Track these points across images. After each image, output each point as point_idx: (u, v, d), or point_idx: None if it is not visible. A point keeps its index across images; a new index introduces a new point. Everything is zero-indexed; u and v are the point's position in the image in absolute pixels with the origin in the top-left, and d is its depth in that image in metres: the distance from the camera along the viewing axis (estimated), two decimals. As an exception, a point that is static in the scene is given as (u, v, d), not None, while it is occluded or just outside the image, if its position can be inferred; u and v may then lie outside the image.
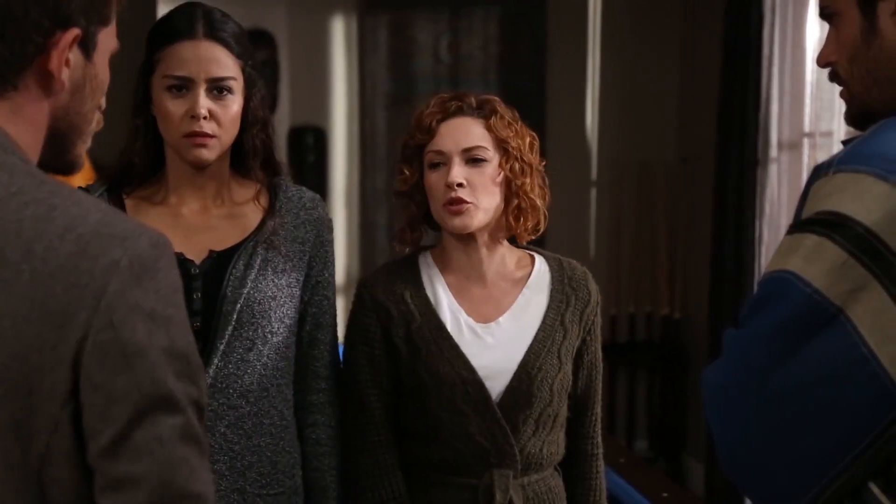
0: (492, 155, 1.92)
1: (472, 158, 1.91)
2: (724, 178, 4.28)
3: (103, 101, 1.19)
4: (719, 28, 4.34)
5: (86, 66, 1.13)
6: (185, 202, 1.89)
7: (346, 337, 1.99)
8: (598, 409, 2.07)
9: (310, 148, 4.80)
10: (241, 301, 1.83)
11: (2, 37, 1.06)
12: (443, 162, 1.91)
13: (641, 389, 5.08)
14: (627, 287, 5.08)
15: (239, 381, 1.84)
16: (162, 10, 4.47)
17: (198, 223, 1.89)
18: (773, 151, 4.13)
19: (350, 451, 1.96)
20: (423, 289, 1.97)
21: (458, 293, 1.97)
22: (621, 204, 5.08)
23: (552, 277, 2.01)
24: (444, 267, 2.00)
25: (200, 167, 1.87)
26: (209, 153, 1.84)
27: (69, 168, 1.17)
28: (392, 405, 1.97)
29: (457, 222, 1.91)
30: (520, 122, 1.97)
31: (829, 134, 3.75)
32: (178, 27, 1.85)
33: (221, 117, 1.83)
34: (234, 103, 1.85)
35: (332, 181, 4.87)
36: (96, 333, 1.01)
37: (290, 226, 1.91)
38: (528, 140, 1.96)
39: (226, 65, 1.84)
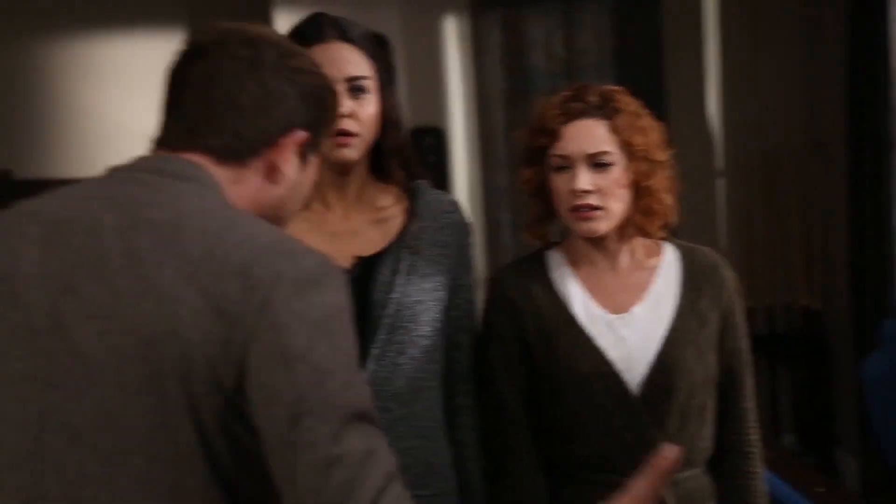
0: (617, 158, 1.87)
1: (598, 163, 1.86)
2: (857, 164, 4.14)
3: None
4: (844, 8, 4.19)
5: (300, 169, 1.30)
6: (329, 209, 1.91)
7: (481, 337, 1.98)
8: (749, 403, 1.97)
9: (430, 148, 4.82)
10: (390, 306, 1.85)
11: (250, 125, 1.25)
12: (567, 166, 1.87)
13: (784, 383, 4.95)
14: (762, 278, 4.96)
15: (391, 385, 1.85)
16: (278, 21, 4.55)
17: (342, 229, 1.91)
18: (909, 133, 3.97)
19: (491, 451, 1.94)
20: (553, 284, 1.94)
21: (590, 285, 1.94)
22: (750, 193, 4.96)
23: (683, 265, 1.95)
24: (574, 261, 1.96)
25: (344, 167, 1.88)
26: (353, 152, 1.85)
27: None
28: (530, 404, 1.94)
29: (585, 228, 1.88)
30: (645, 115, 1.91)
31: None
32: (307, 34, 1.87)
33: (362, 116, 1.84)
34: (372, 103, 1.86)
35: (453, 181, 4.88)
36: (261, 333, 1.10)
37: (432, 230, 1.92)
38: (654, 135, 1.90)
39: (360, 64, 1.86)
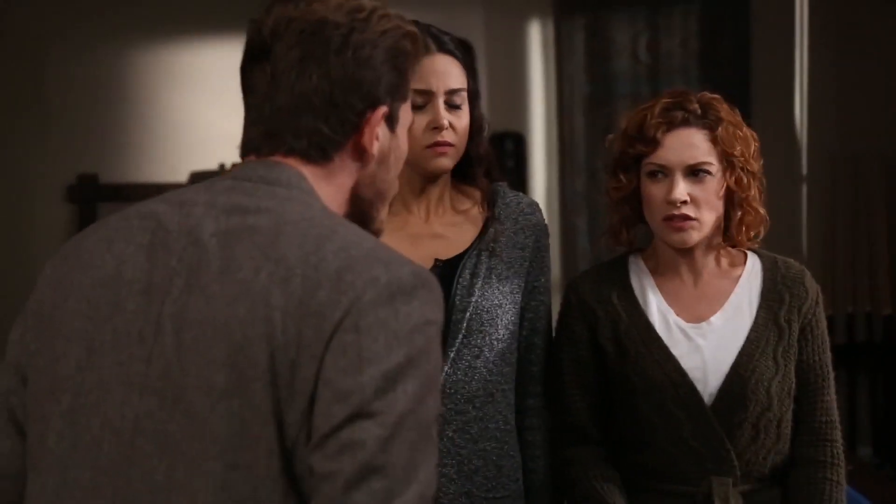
0: (716, 169, 1.86)
1: (696, 172, 1.85)
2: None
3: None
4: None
5: (391, 138, 1.27)
6: (411, 211, 1.94)
7: (554, 339, 1.98)
8: (827, 417, 1.93)
9: (509, 153, 4.82)
10: (469, 310, 1.87)
11: (326, 120, 1.21)
12: (664, 174, 1.86)
13: (863, 393, 4.85)
14: (844, 286, 4.86)
15: (466, 387, 1.87)
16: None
17: (423, 231, 1.93)
18: None
19: (557, 453, 1.94)
20: (632, 290, 1.94)
21: (668, 294, 1.93)
22: (835, 200, 4.87)
23: (765, 276, 1.93)
24: (655, 268, 1.96)
25: (437, 176, 1.91)
26: (449, 161, 1.89)
27: (373, 228, 1.30)
28: (601, 409, 1.94)
29: (676, 238, 1.87)
30: (744, 125, 1.90)
31: None
32: None
33: (458, 127, 1.88)
34: (466, 114, 1.89)
35: (531, 186, 4.88)
36: (343, 333, 1.09)
37: (511, 232, 1.94)
38: (752, 145, 1.89)
39: (459, 76, 1.89)
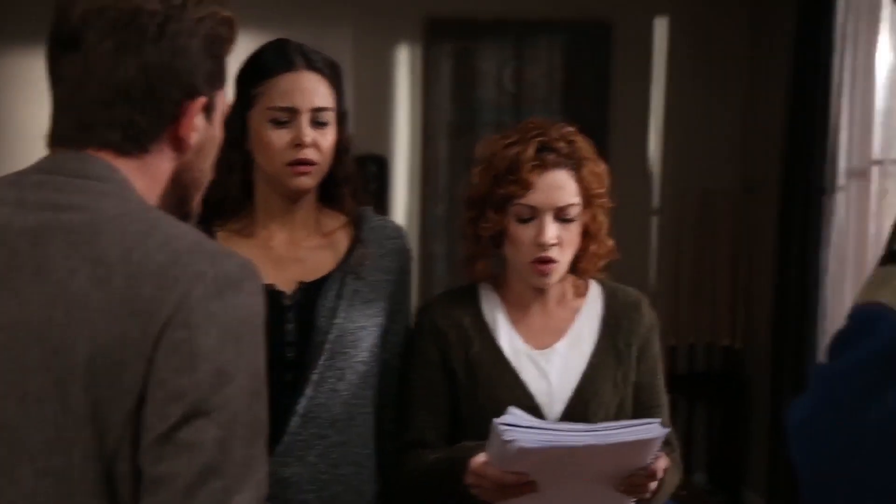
0: (580, 210, 1.91)
1: (564, 214, 1.89)
2: (789, 207, 4.23)
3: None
4: (786, 56, 4.30)
5: (207, 127, 1.24)
6: (274, 234, 1.92)
7: (405, 361, 2.01)
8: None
9: (372, 176, 4.82)
10: (332, 332, 1.86)
11: (143, 111, 1.17)
12: (533, 216, 1.89)
13: (701, 421, 5.01)
14: (688, 317, 5.03)
15: (329, 411, 1.86)
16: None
17: (287, 254, 1.92)
18: (841, 179, 4.06)
19: (401, 473, 1.96)
20: (483, 315, 1.98)
21: (517, 321, 1.98)
22: (683, 233, 5.03)
23: (605, 304, 2.01)
24: (505, 295, 2.01)
25: (299, 196, 1.90)
26: (311, 180, 1.87)
27: (186, 218, 1.27)
28: (448, 432, 1.97)
29: (540, 282, 1.92)
30: (599, 159, 1.95)
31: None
32: (276, 61, 1.89)
33: (322, 146, 1.86)
34: (331, 133, 1.88)
35: (392, 210, 4.89)
36: (172, 330, 1.07)
37: (376, 256, 1.94)
38: (606, 180, 1.95)
39: (326, 95, 1.88)
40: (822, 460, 1.23)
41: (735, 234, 4.98)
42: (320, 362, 1.85)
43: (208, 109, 1.23)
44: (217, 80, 1.23)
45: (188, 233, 1.15)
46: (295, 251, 1.93)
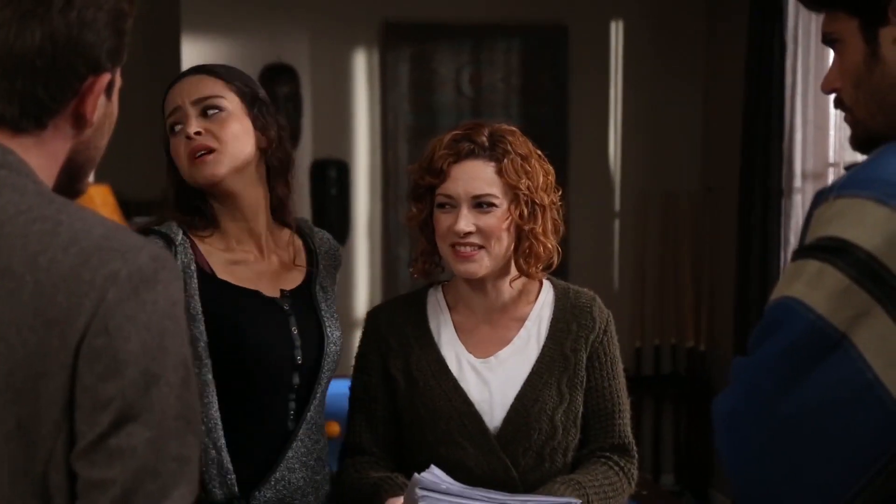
0: (501, 200, 1.89)
1: (481, 204, 1.88)
2: (748, 209, 4.27)
3: None
4: (742, 58, 4.34)
5: (107, 105, 1.19)
6: (245, 247, 1.92)
7: (353, 366, 2.02)
8: (622, 440, 1.98)
9: (332, 181, 4.81)
10: (333, 339, 1.93)
11: (45, 84, 1.11)
12: (452, 205, 1.89)
13: (667, 423, 5.05)
14: (652, 319, 5.06)
15: (321, 418, 1.95)
16: (186, 49, 4.52)
17: (263, 268, 1.93)
18: (798, 181, 4.11)
19: (338, 478, 1.98)
20: (427, 323, 1.98)
21: (462, 331, 1.97)
22: (645, 234, 5.07)
23: (555, 306, 1.99)
24: (453, 303, 2.00)
25: (221, 191, 1.87)
26: (213, 165, 1.84)
27: (77, 194, 1.22)
28: (387, 437, 1.97)
29: (462, 269, 1.90)
30: (534, 157, 1.93)
31: (853, 164, 3.72)
32: (171, 83, 1.92)
33: (218, 132, 1.84)
34: (230, 122, 1.86)
35: (354, 214, 4.88)
36: (92, 338, 1.04)
37: (331, 268, 2.02)
38: (541, 178, 1.92)
39: (212, 86, 1.88)
40: (745, 452, 1.26)
41: (697, 235, 5.03)
42: (327, 372, 1.92)
43: (109, 87, 1.18)
44: (119, 56, 1.17)
45: (94, 225, 1.09)
46: (269, 264, 1.93)
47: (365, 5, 4.84)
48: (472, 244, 1.87)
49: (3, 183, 1.09)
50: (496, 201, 1.88)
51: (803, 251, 1.28)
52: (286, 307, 1.90)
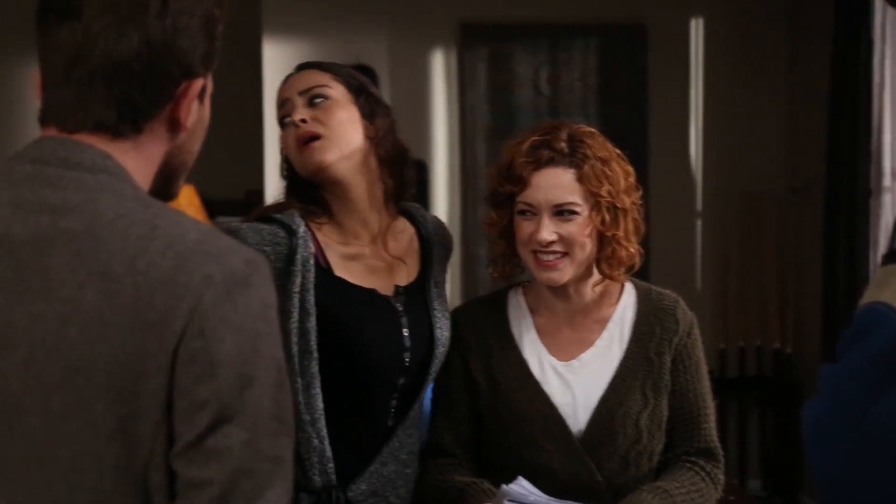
0: (582, 207, 1.87)
1: (562, 212, 1.86)
2: (834, 209, 4.18)
3: None
4: (827, 54, 4.25)
5: (199, 109, 1.22)
6: (363, 241, 1.92)
7: None
8: (707, 443, 1.95)
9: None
10: (442, 339, 1.93)
11: (142, 89, 1.15)
12: (533, 213, 1.87)
13: (753, 426, 4.96)
14: (736, 320, 4.99)
15: (424, 413, 1.98)
16: (267, 51, 4.57)
17: (377, 263, 1.93)
18: (887, 180, 4.01)
19: (421, 479, 1.97)
20: (509, 325, 1.97)
21: (544, 333, 1.96)
22: (728, 235, 5.00)
23: (638, 309, 1.97)
24: (534, 305, 1.98)
25: (331, 179, 1.88)
26: (321, 151, 1.86)
27: (171, 197, 1.25)
28: (470, 438, 1.97)
29: (545, 277, 1.89)
30: (615, 160, 1.90)
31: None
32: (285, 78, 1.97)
33: (324, 119, 1.87)
34: (336, 109, 1.88)
35: (434, 213, 4.88)
36: (188, 340, 1.06)
37: (444, 259, 2.01)
38: (622, 181, 1.89)
39: (317, 78, 1.91)
40: (833, 460, 1.24)
41: (781, 236, 4.95)
42: (433, 371, 1.92)
43: (202, 91, 1.21)
44: (211, 61, 1.20)
45: (189, 230, 1.12)
46: (384, 258, 1.93)
47: (442, 6, 4.85)
48: (554, 252, 1.86)
49: (102, 188, 1.12)
50: (578, 209, 1.86)
51: (893, 255, 1.25)
52: (399, 307, 1.90)
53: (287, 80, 1.94)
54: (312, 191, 1.91)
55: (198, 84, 1.18)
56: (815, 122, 4.47)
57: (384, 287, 1.90)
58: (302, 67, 1.96)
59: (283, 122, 1.92)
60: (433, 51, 4.91)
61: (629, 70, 4.97)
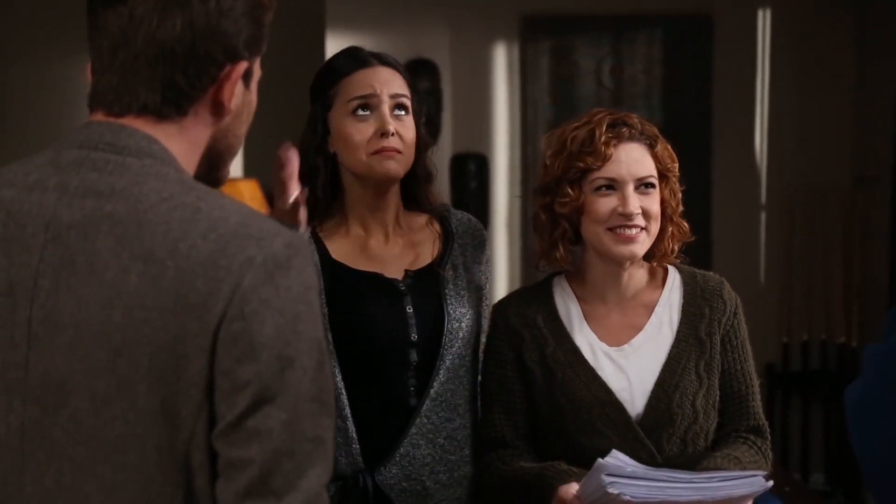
0: (657, 183, 1.93)
1: (645, 185, 1.91)
2: (903, 200, 4.10)
3: None
4: (896, 44, 4.17)
5: (245, 93, 1.23)
6: (371, 233, 1.98)
7: (483, 360, 2.03)
8: (756, 421, 1.97)
9: (472, 175, 4.83)
10: (464, 321, 1.95)
11: (185, 72, 1.16)
12: (613, 187, 1.89)
13: (816, 420, 4.90)
14: (800, 313, 4.92)
15: (455, 396, 1.94)
16: (330, 44, 4.61)
17: (384, 253, 1.98)
18: (957, 171, 3.92)
19: (478, 464, 1.97)
20: (557, 313, 1.97)
21: (592, 319, 1.97)
22: (792, 227, 4.93)
23: (684, 291, 1.99)
24: (580, 291, 1.99)
25: (387, 185, 1.94)
26: (398, 166, 1.92)
27: (217, 183, 1.26)
28: (527, 429, 1.97)
29: (624, 250, 1.90)
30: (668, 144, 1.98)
31: None
32: (349, 63, 1.97)
33: (404, 136, 1.92)
34: (412, 124, 1.95)
35: (493, 208, 4.89)
36: (229, 322, 1.07)
37: (470, 247, 2.02)
38: (677, 164, 1.97)
39: (403, 85, 1.95)
40: (874, 440, 1.23)
41: (847, 228, 4.87)
42: (452, 349, 1.93)
43: (247, 76, 1.21)
44: (257, 45, 1.21)
45: (231, 212, 1.13)
46: (391, 250, 1.98)
47: (504, -1, 4.86)
48: (636, 226, 1.89)
49: (147, 172, 1.14)
50: (655, 182, 1.92)
51: None
52: (402, 287, 1.94)
53: (371, 71, 1.94)
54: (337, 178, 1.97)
55: (241, 67, 1.19)
56: (883, 114, 4.38)
57: (392, 272, 1.95)
58: (381, 61, 1.97)
59: (357, 110, 1.92)
60: (495, 44, 4.91)
61: (694, 62, 4.92)
